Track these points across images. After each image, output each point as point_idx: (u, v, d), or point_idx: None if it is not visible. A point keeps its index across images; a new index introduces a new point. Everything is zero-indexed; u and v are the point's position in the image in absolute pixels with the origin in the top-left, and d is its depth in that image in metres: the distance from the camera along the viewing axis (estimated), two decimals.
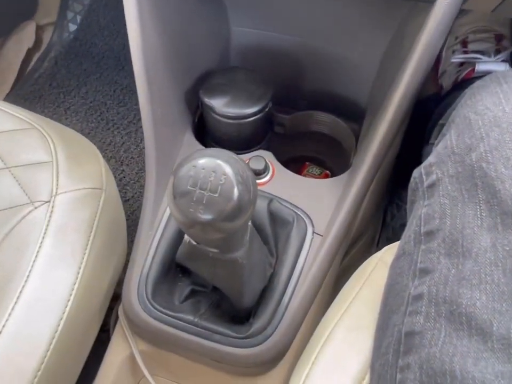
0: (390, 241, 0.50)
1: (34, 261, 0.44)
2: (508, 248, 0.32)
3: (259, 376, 0.50)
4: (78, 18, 1.21)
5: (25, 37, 1.18)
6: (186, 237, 0.39)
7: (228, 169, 0.29)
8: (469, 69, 0.87)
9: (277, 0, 0.59)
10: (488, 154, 0.36)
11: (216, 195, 0.29)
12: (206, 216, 0.29)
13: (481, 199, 0.35)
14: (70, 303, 0.44)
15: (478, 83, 0.43)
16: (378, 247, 0.91)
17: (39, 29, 1.19)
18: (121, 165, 0.99)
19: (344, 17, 0.59)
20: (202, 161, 0.30)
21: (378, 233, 0.87)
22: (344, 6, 0.57)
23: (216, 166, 0.29)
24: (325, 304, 0.53)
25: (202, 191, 0.29)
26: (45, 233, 0.46)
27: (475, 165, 0.36)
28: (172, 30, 0.56)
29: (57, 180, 0.50)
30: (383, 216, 0.90)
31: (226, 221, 0.30)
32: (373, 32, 0.58)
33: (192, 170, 0.29)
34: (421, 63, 0.45)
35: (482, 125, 0.38)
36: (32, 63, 1.16)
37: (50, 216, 0.48)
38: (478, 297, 0.31)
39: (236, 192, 0.29)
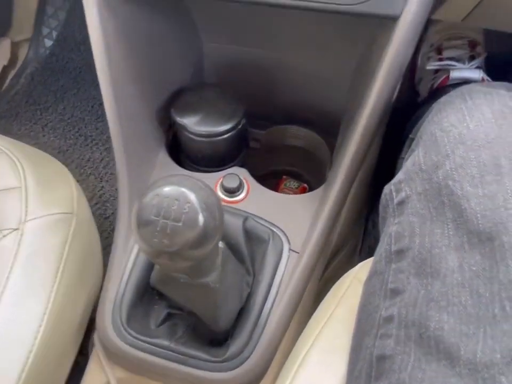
0: (372, 250, 0.50)
1: (2, 293, 0.43)
2: (474, 269, 0.32)
3: None
4: (54, 33, 1.20)
5: (0, 53, 1.16)
6: None
7: (192, 197, 0.29)
8: (444, 76, 0.88)
9: (249, 16, 0.59)
10: (454, 172, 0.36)
11: (180, 224, 0.28)
12: (171, 247, 0.29)
13: (448, 217, 0.35)
14: (39, 334, 0.43)
15: (444, 98, 0.43)
16: (361, 256, 0.91)
17: (14, 46, 1.17)
18: (101, 181, 0.98)
19: (316, 33, 0.59)
20: (165, 190, 0.29)
21: (360, 243, 0.87)
22: (315, 22, 0.57)
23: (180, 194, 0.29)
24: (304, 321, 0.52)
25: (166, 220, 0.28)
26: (13, 262, 0.45)
27: (442, 183, 0.36)
28: (140, 51, 0.55)
29: (26, 206, 0.49)
30: (365, 224, 0.90)
31: (193, 249, 0.30)
32: (344, 46, 0.58)
33: (155, 199, 0.29)
34: (388, 76, 0.46)
35: (447, 142, 0.38)
36: (8, 80, 1.15)
37: (19, 245, 0.47)
38: (445, 320, 0.31)
39: (200, 219, 0.28)
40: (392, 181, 0.42)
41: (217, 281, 0.39)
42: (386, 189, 0.43)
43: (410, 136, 0.52)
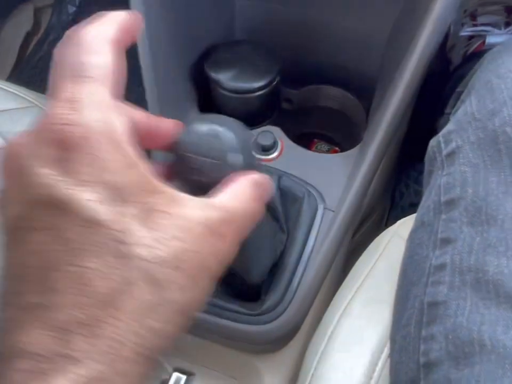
0: (398, 220, 0.49)
1: None
2: None
3: (273, 353, 0.49)
4: None
5: (23, 20, 1.15)
6: None
7: (230, 135, 0.27)
8: (479, 42, 0.85)
9: None
10: None
11: (219, 161, 0.25)
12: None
13: (505, 164, 0.34)
14: None
15: (498, 47, 0.41)
16: (387, 226, 0.90)
17: (37, 12, 1.16)
18: None
19: None
20: (203, 128, 0.27)
21: (387, 213, 0.86)
22: None
23: (218, 132, 0.26)
24: (336, 280, 0.52)
25: (204, 158, 0.25)
26: None
27: (498, 130, 0.35)
28: (176, 8, 0.54)
29: None
30: (392, 195, 0.88)
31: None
32: (381, 2, 0.56)
33: (192, 136, 0.26)
34: (433, 35, 0.44)
35: (505, 89, 0.36)
36: (31, 46, 1.14)
37: None
38: (505, 265, 0.30)
39: (240, 158, 0.26)
40: (441, 133, 0.41)
41: None
42: (433, 141, 0.41)
43: (458, 89, 0.50)
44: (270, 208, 0.49)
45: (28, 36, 1.14)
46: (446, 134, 0.40)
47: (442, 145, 0.40)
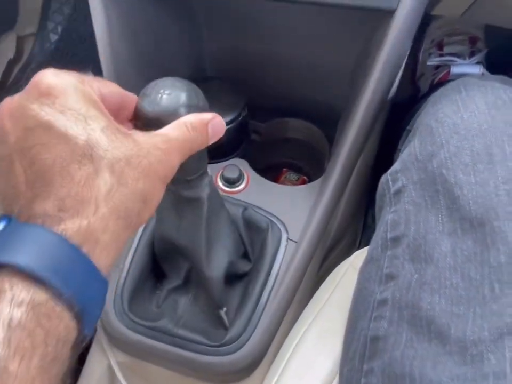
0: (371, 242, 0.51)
1: None
2: (466, 253, 0.33)
3: (236, 383, 0.50)
4: (59, 28, 1.21)
5: (5, 48, 1.17)
6: None
7: (182, 82, 0.34)
8: (445, 72, 0.89)
9: (249, 11, 0.60)
10: (448, 161, 0.37)
11: (171, 94, 0.32)
12: (164, 111, 0.32)
13: (442, 205, 0.36)
14: None
15: (440, 91, 0.44)
16: (360, 248, 0.92)
17: (20, 40, 1.18)
18: None
19: (316, 27, 0.60)
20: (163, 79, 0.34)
21: (360, 235, 0.88)
22: (314, 17, 0.58)
23: (173, 81, 0.34)
24: (302, 309, 0.53)
25: (160, 94, 0.32)
26: None
27: (436, 172, 0.37)
28: (144, 45, 0.56)
29: None
30: (364, 218, 0.90)
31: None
32: (343, 41, 0.59)
33: (154, 82, 0.34)
34: (385, 70, 0.46)
35: (442, 132, 0.38)
36: (14, 74, 1.16)
37: None
38: (437, 302, 0.32)
39: (185, 93, 0.33)
40: (389, 171, 0.43)
41: (206, 198, 0.43)
42: (383, 178, 0.44)
43: (407, 128, 0.53)
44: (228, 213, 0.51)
45: (10, 64, 1.16)
46: (394, 173, 0.42)
47: (390, 183, 0.42)
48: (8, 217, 0.24)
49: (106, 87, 0.29)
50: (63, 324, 0.22)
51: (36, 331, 0.21)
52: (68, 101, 0.25)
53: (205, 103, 0.36)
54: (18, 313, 0.21)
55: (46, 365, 0.21)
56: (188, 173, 0.40)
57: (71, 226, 0.23)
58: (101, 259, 0.24)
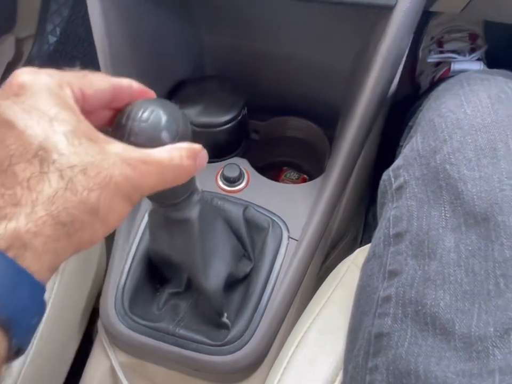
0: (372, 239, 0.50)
1: None
2: (470, 248, 0.33)
3: (238, 383, 0.50)
4: (58, 30, 1.21)
5: (4, 50, 1.17)
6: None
7: (158, 105, 0.31)
8: (445, 69, 0.89)
9: (247, 9, 0.60)
10: (451, 156, 0.36)
11: (146, 124, 0.30)
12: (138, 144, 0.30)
13: (445, 200, 0.36)
14: (44, 320, 0.43)
15: (442, 86, 0.44)
16: (361, 246, 0.92)
17: (19, 42, 1.18)
18: None
19: (315, 25, 0.59)
20: (138, 102, 0.31)
21: (361, 233, 0.88)
22: (314, 14, 0.58)
23: (149, 104, 0.31)
24: (304, 307, 0.53)
25: (135, 122, 0.30)
26: None
27: (439, 167, 0.37)
28: (142, 45, 0.56)
29: None
30: (366, 216, 0.90)
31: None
32: (343, 38, 0.59)
33: (128, 108, 0.31)
34: (384, 67, 0.46)
35: (445, 127, 0.38)
36: None
37: None
38: (441, 297, 0.32)
39: (163, 120, 0.30)
40: (391, 167, 0.43)
41: (196, 218, 0.41)
42: (385, 175, 0.43)
43: (409, 123, 0.52)
44: (237, 238, 0.51)
45: (10, 66, 1.16)
46: (395, 169, 0.42)
47: (392, 179, 0.42)
48: None
49: (91, 86, 0.28)
50: None
51: None
52: (38, 102, 0.24)
53: (187, 127, 0.33)
54: None
55: None
56: (174, 197, 0.39)
57: None
58: (32, 264, 0.22)
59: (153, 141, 0.29)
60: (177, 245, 0.44)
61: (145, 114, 0.30)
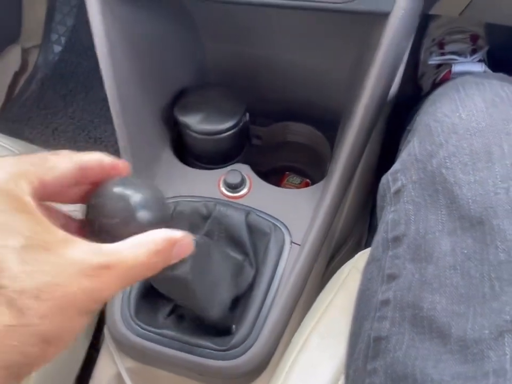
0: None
1: None
2: (466, 252, 0.33)
3: None
4: (63, 39, 1.23)
5: (11, 60, 1.19)
6: None
7: (128, 194, 0.28)
8: (446, 70, 0.89)
9: (246, 16, 0.60)
10: (447, 160, 0.37)
11: (117, 220, 0.27)
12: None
13: (441, 204, 0.36)
14: None
15: (438, 90, 0.44)
16: (366, 247, 0.92)
17: (25, 52, 1.20)
18: None
19: (313, 31, 0.60)
20: (106, 190, 0.28)
21: (366, 236, 0.88)
22: (312, 21, 0.58)
23: (118, 193, 0.28)
24: (307, 312, 0.54)
25: (103, 220, 0.27)
26: None
27: (435, 171, 0.37)
28: (143, 53, 0.57)
29: None
30: (370, 218, 0.90)
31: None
32: (340, 44, 0.59)
33: (93, 200, 0.28)
34: (381, 72, 0.47)
35: (441, 132, 0.39)
36: (19, 86, 1.18)
37: None
38: (438, 301, 0.32)
39: (137, 215, 0.27)
40: (389, 171, 0.43)
41: (189, 272, 0.39)
42: (383, 179, 0.44)
43: (408, 128, 0.53)
44: (239, 244, 0.52)
45: (16, 76, 1.18)
46: (393, 173, 0.42)
47: (390, 183, 0.42)
48: None
49: (52, 172, 0.25)
50: None
51: None
52: None
53: (164, 207, 0.30)
54: None
55: None
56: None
57: None
58: None
59: (127, 223, 0.27)
60: (175, 292, 0.43)
61: (118, 195, 0.27)
